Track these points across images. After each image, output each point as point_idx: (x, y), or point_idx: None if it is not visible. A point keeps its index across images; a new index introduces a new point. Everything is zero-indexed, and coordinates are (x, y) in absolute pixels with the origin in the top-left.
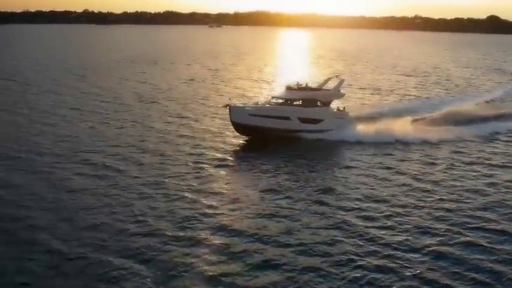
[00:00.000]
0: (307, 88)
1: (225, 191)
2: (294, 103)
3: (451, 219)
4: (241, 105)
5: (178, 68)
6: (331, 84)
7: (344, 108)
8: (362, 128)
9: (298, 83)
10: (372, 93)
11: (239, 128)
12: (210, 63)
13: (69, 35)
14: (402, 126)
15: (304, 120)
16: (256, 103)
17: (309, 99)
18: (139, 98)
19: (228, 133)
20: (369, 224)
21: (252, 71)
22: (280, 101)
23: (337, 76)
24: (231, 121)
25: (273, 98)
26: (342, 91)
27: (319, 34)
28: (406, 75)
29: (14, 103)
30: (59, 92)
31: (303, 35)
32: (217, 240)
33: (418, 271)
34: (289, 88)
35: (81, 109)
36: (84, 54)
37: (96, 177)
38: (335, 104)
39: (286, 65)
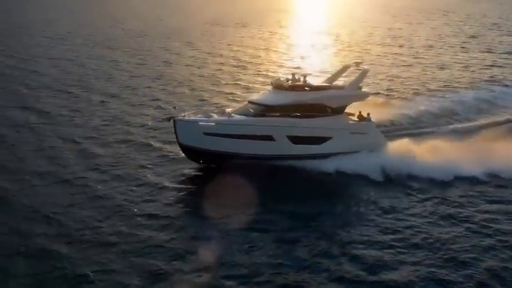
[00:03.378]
0: (304, 86)
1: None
2: (284, 111)
3: None
4: (193, 118)
5: (278, 31)
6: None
7: (368, 115)
8: (400, 150)
9: (294, 76)
10: None
11: (190, 153)
12: (312, 28)
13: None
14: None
15: (298, 140)
16: (222, 111)
17: (308, 105)
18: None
19: None
20: None
21: (366, 37)
22: (260, 108)
23: (357, 64)
24: (177, 143)
25: (249, 103)
26: (364, 88)
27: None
28: None
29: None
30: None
31: None
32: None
33: None
34: (276, 87)
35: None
36: (163, 18)
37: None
38: (354, 109)
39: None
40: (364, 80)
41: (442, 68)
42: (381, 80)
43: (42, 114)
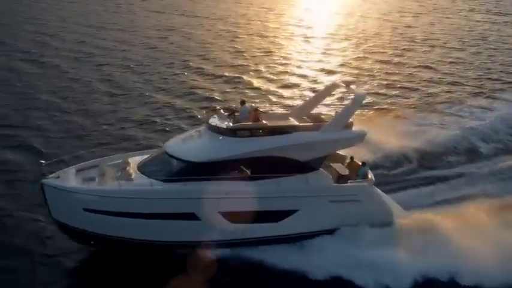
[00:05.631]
0: (256, 128)
1: None
2: (218, 170)
3: None
4: (70, 184)
5: None
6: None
7: (363, 164)
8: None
9: (243, 104)
10: None
11: (70, 233)
12: None
13: None
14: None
15: (239, 218)
16: (124, 165)
17: (259, 160)
18: None
19: None
20: None
21: None
22: (179, 165)
23: (348, 84)
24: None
25: (166, 153)
26: (357, 129)
27: None
28: None
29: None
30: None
31: None
32: None
33: None
34: (211, 128)
35: None
36: None
37: None
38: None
39: None
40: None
41: None
42: None
43: (183, 98)
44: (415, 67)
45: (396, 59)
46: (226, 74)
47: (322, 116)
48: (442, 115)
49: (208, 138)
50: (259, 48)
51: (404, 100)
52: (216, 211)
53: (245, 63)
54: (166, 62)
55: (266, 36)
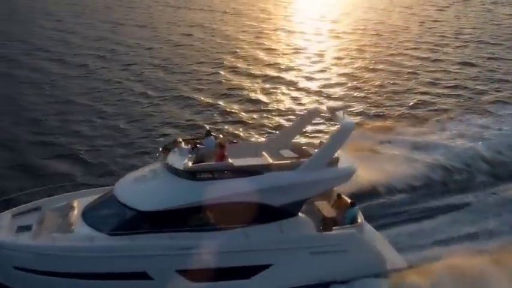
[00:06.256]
0: (219, 169)
1: None
2: (174, 221)
3: None
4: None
5: None
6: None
7: (352, 205)
8: None
9: (208, 135)
10: None
11: None
12: None
13: None
14: None
15: (200, 276)
16: (68, 209)
17: (223, 207)
18: None
19: None
20: None
21: None
22: (129, 214)
23: (332, 111)
24: None
25: (114, 197)
26: (345, 166)
27: None
28: None
29: None
30: None
31: None
32: None
33: None
34: (170, 168)
35: None
36: None
37: None
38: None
39: None
40: None
41: None
42: None
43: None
44: (455, 64)
45: (433, 56)
46: (264, 72)
47: (305, 147)
48: (496, 117)
49: (164, 180)
50: (289, 45)
51: (453, 100)
52: (173, 269)
53: (280, 61)
54: (196, 61)
55: (292, 32)
